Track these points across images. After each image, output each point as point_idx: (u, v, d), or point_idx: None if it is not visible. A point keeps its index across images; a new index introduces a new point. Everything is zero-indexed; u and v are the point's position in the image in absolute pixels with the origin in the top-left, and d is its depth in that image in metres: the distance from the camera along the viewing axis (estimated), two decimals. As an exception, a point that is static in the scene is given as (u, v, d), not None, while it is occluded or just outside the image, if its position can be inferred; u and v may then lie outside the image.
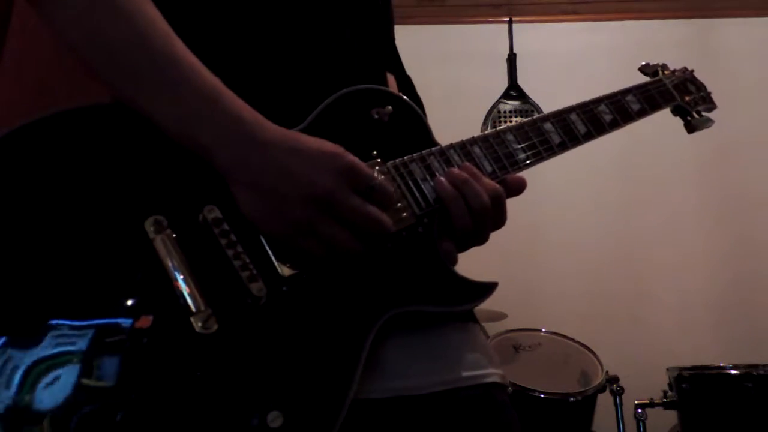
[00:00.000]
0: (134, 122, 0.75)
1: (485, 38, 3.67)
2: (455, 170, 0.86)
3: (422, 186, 0.85)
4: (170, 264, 0.70)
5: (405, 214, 0.83)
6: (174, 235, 0.72)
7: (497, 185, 0.87)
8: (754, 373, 2.28)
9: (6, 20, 2.00)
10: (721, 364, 2.37)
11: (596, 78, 3.55)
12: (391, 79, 1.04)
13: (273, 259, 0.75)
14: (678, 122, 1.26)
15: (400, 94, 0.92)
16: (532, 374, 2.45)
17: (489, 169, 0.90)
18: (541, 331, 2.74)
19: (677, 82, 1.22)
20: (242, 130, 0.74)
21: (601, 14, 3.69)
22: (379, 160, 0.85)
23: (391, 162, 0.85)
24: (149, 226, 0.71)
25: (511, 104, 3.54)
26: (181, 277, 0.70)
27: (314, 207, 0.72)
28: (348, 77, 0.90)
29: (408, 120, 0.90)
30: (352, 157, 0.76)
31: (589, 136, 1.04)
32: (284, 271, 0.75)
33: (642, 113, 1.13)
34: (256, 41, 0.89)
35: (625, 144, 3.51)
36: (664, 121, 1.19)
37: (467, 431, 0.84)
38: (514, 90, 3.56)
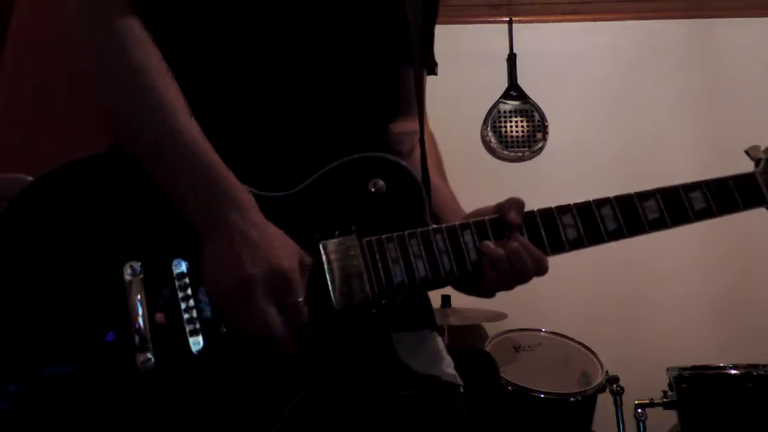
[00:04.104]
0: (125, 174, 0.84)
1: (485, 38, 3.67)
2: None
3: (390, 267, 0.85)
4: (132, 305, 0.79)
5: (363, 291, 0.84)
6: (143, 281, 0.81)
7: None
8: (754, 373, 2.28)
9: (6, 20, 2.00)
10: (721, 364, 2.36)
11: (596, 78, 3.57)
12: (414, 72, 1.05)
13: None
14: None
15: (404, 163, 0.90)
16: (532, 374, 2.45)
17: (474, 258, 0.87)
18: (541, 331, 2.74)
19: None
20: (220, 214, 0.80)
21: (601, 14, 3.69)
22: (354, 235, 0.85)
23: (367, 239, 0.86)
24: (126, 270, 0.81)
25: (511, 104, 3.54)
26: (139, 317, 0.79)
27: (238, 288, 0.77)
28: (349, 130, 0.92)
29: (406, 194, 0.88)
30: (292, 266, 0.79)
31: (616, 235, 0.90)
32: (224, 329, 0.80)
33: (705, 214, 0.95)
34: (259, 98, 0.91)
35: (625, 143, 3.51)
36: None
37: (418, 428, 0.88)
38: (514, 90, 3.56)
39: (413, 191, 0.89)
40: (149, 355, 0.78)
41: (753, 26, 3.59)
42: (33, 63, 2.04)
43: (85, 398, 0.76)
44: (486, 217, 0.90)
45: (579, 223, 0.89)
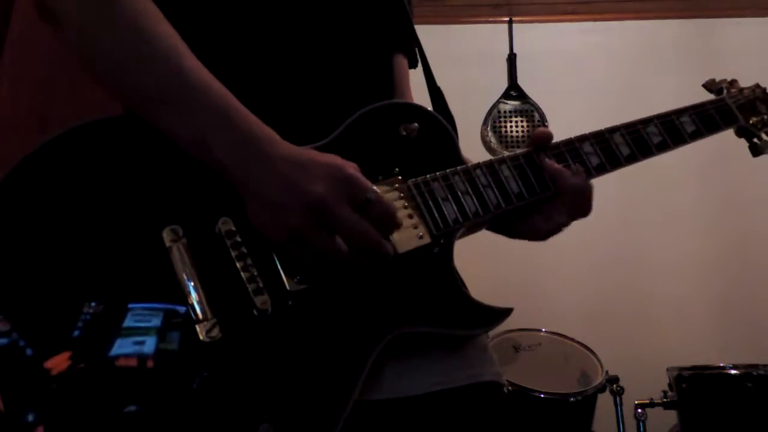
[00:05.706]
0: (153, 133, 0.76)
1: (485, 38, 3.67)
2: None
3: (442, 206, 0.84)
4: (181, 273, 0.72)
5: (421, 233, 0.82)
6: (188, 245, 0.74)
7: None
8: (754, 373, 2.28)
9: (6, 20, 2.00)
10: (721, 364, 2.36)
11: (596, 78, 3.57)
12: (404, 62, 1.05)
13: (281, 272, 0.76)
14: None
15: (431, 110, 0.91)
16: (532, 374, 2.45)
17: (516, 190, 0.89)
18: (541, 331, 2.74)
19: (744, 101, 1.13)
20: (251, 148, 0.75)
21: (601, 14, 3.69)
22: (399, 177, 0.84)
23: (413, 180, 0.85)
24: (166, 236, 0.73)
25: (511, 104, 3.54)
26: (191, 285, 0.72)
27: (309, 215, 0.72)
28: (366, 90, 0.90)
29: (437, 137, 0.89)
30: (350, 169, 0.75)
31: (632, 159, 1.00)
32: (291, 285, 0.76)
33: (696, 135, 1.04)
34: (277, 58, 0.89)
35: (625, 144, 3.50)
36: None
37: (462, 427, 0.85)
38: (514, 90, 3.56)
39: (442, 132, 0.89)
40: (212, 324, 0.71)
41: (752, 26, 3.59)
42: (33, 63, 2.04)
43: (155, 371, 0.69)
44: (518, 151, 0.93)
45: (598, 151, 0.97)
